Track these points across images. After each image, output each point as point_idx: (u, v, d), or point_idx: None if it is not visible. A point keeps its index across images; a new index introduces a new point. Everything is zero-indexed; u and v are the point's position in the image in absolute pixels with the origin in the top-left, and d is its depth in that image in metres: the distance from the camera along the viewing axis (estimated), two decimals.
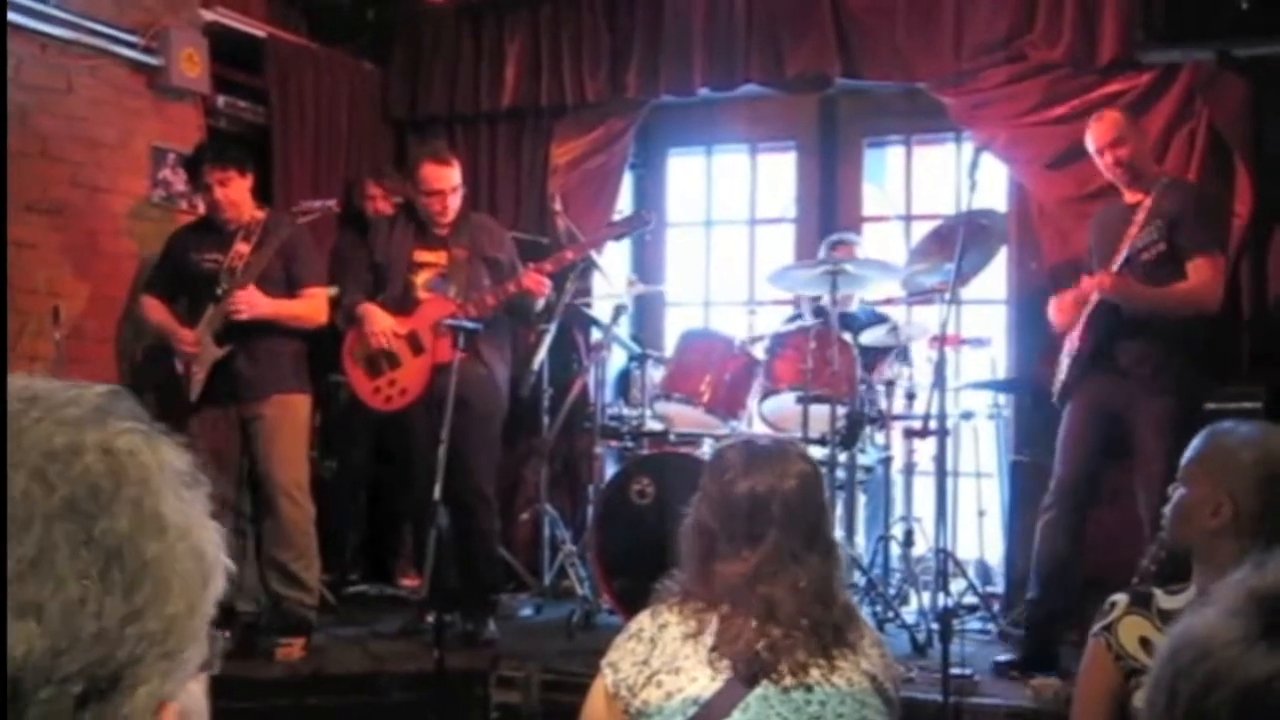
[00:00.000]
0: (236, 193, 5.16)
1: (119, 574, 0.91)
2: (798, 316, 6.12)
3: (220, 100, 6.35)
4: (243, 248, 5.13)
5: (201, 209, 5.54)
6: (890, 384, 5.82)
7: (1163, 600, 2.36)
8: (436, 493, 4.66)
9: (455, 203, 5.38)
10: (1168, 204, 4.72)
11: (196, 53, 6.04)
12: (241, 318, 5.04)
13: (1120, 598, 2.39)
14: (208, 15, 6.21)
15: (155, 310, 5.30)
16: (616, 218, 6.45)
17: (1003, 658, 4.89)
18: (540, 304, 5.51)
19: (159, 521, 0.96)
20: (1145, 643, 2.32)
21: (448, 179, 5.34)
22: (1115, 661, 2.33)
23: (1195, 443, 2.46)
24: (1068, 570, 4.84)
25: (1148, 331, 4.70)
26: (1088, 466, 4.83)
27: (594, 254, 5.72)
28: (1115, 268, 4.71)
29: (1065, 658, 4.62)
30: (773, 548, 2.39)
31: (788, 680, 2.31)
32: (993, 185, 6.04)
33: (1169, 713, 0.99)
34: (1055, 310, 5.00)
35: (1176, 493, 2.46)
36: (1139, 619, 2.35)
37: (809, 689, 2.31)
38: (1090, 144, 4.94)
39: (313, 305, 5.27)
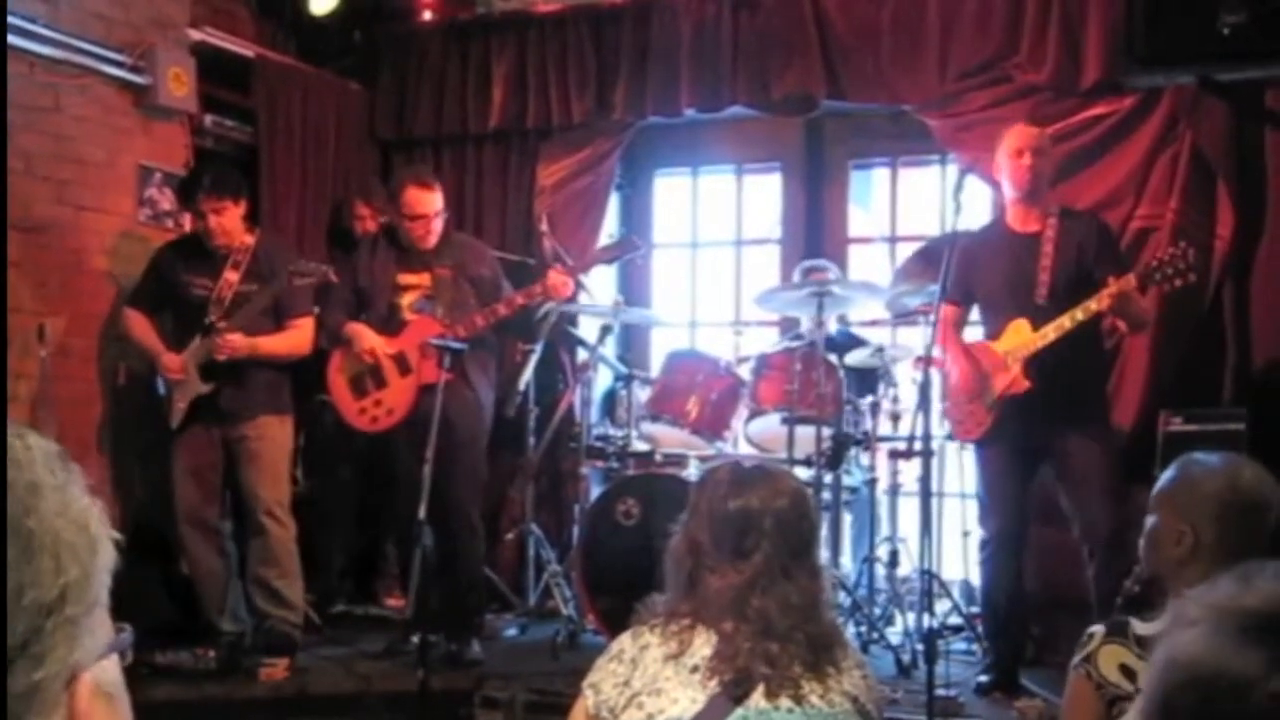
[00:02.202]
0: (229, 221, 5.18)
1: (13, 549, 1.01)
2: (797, 337, 6.07)
3: (208, 120, 6.35)
4: (231, 276, 5.15)
5: (188, 227, 5.54)
6: (875, 405, 5.84)
7: (1139, 627, 2.39)
8: (421, 513, 4.65)
9: (438, 226, 5.38)
10: (1076, 232, 4.84)
11: (184, 72, 6.04)
12: (222, 359, 5.07)
13: (1097, 629, 2.43)
14: (196, 35, 6.22)
15: (140, 326, 5.30)
16: (607, 241, 6.46)
17: (983, 678, 4.91)
18: (545, 312, 5.52)
19: (37, 497, 1.06)
20: (1125, 670, 2.35)
21: (430, 203, 5.35)
22: (1097, 691, 2.36)
23: (1167, 473, 2.56)
24: (1011, 590, 4.98)
25: (1085, 363, 4.84)
26: (1016, 507, 4.95)
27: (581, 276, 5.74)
28: (1043, 293, 4.78)
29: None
30: (763, 562, 2.40)
31: (780, 698, 2.31)
32: (978, 207, 6.06)
33: None
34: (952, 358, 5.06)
35: (1148, 521, 2.57)
36: (1117, 647, 2.38)
37: (790, 710, 2.32)
38: (1009, 143, 4.96)
39: (296, 338, 5.29)
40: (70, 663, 1.07)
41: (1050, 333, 4.69)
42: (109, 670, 1.16)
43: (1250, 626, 1.00)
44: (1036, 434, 4.82)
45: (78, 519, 1.11)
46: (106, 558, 1.14)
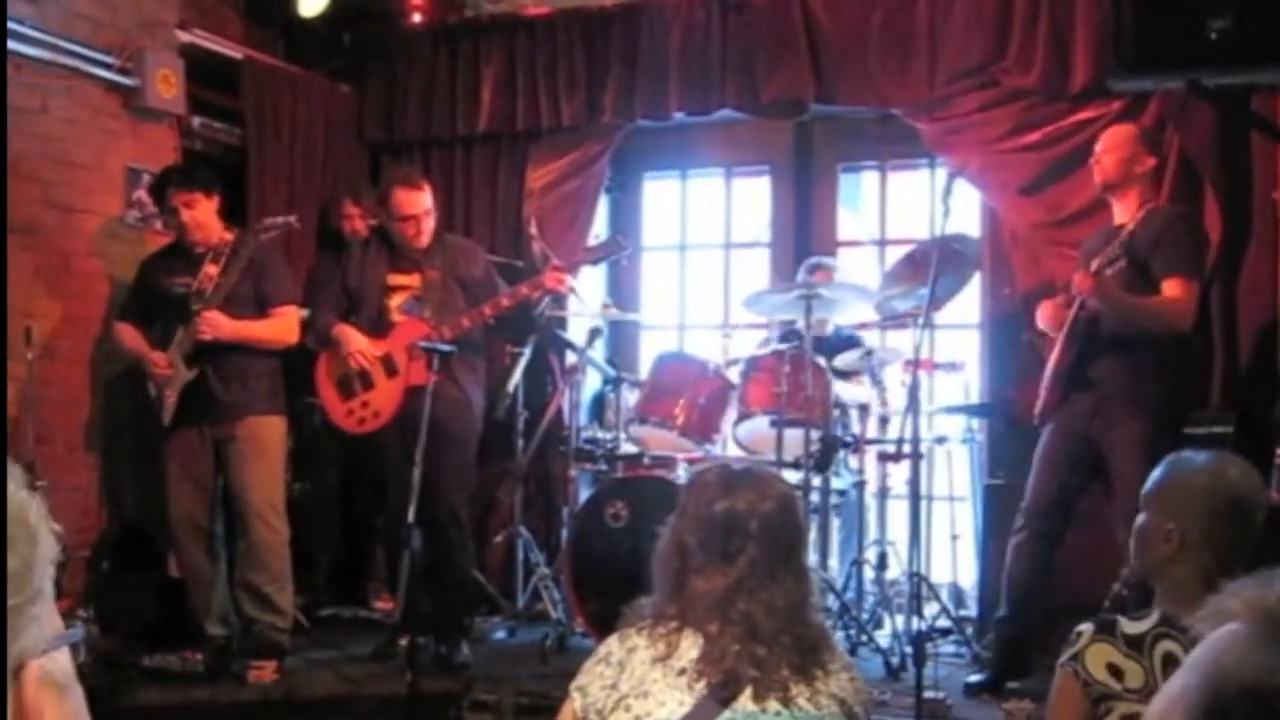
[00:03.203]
0: (203, 215, 5.15)
1: None
2: (784, 338, 6.07)
3: (196, 121, 6.35)
4: (211, 269, 5.12)
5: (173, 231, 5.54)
6: (864, 408, 5.85)
7: (1127, 626, 2.40)
8: (410, 515, 4.65)
9: (429, 225, 5.39)
10: (1145, 227, 4.73)
11: (172, 74, 6.04)
12: (205, 339, 5.03)
13: (1086, 627, 2.43)
14: (184, 36, 6.22)
15: (129, 336, 5.29)
16: (593, 242, 6.47)
17: (973, 678, 4.91)
18: (539, 309, 5.54)
19: None
20: (1113, 669, 2.35)
21: (419, 203, 5.35)
22: (1084, 689, 2.36)
23: (1156, 472, 2.58)
24: (1036, 592, 4.86)
25: (1126, 351, 4.70)
26: (1058, 491, 4.83)
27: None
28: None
29: (1036, 675, 4.66)
30: (749, 565, 2.40)
31: (768, 700, 2.31)
32: (966, 211, 6.08)
33: None
34: (1042, 313, 5.02)
35: (1138, 520, 2.58)
36: (1105, 645, 2.38)
37: (777, 713, 2.31)
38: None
39: (281, 326, 5.25)
40: (15, 651, 1.08)
41: (1074, 305, 4.70)
42: (60, 661, 1.17)
43: None
44: (1084, 419, 4.74)
45: (15, 512, 1.12)
46: (48, 549, 1.16)
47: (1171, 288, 4.62)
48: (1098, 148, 4.95)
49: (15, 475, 1.17)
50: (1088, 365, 4.73)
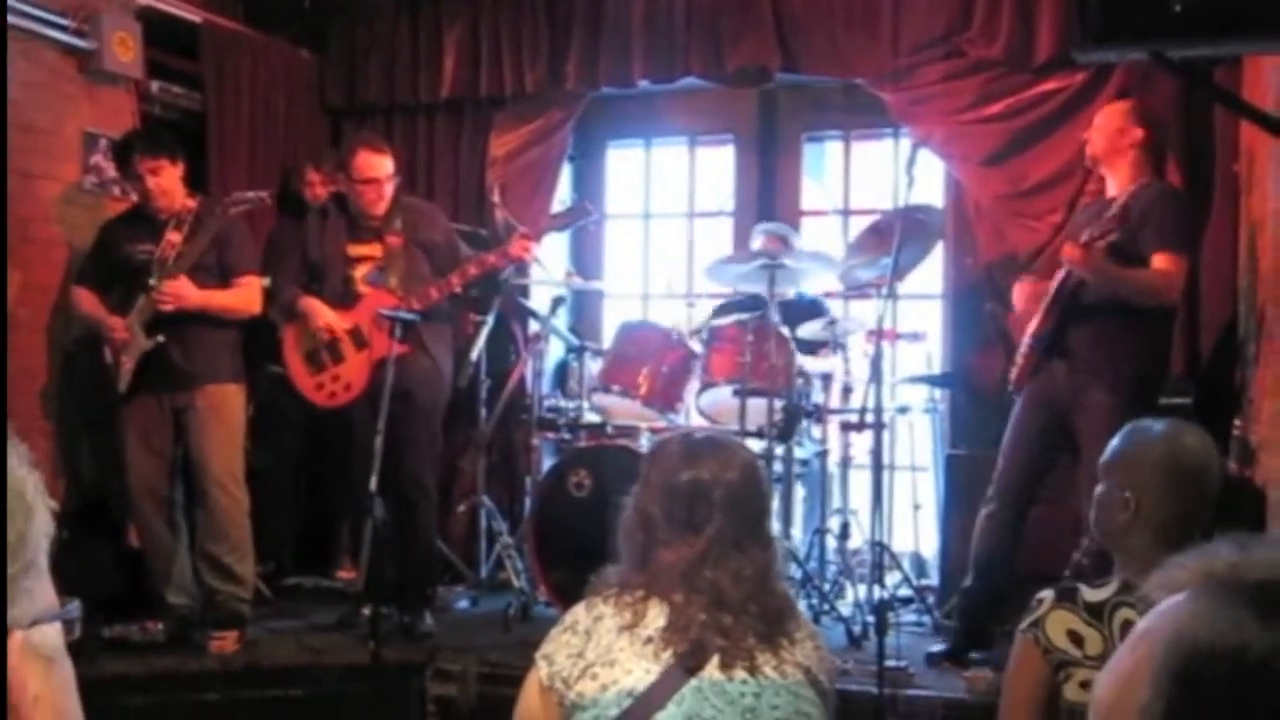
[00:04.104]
0: (168, 181, 5.10)
1: None
2: (744, 306, 6.04)
3: (154, 86, 6.26)
4: (174, 237, 5.07)
5: (134, 197, 5.47)
6: (827, 378, 5.86)
7: (1088, 594, 2.42)
8: (373, 484, 4.63)
9: (389, 192, 5.35)
10: (1136, 201, 4.67)
11: (130, 37, 5.95)
12: (168, 309, 4.99)
13: (1046, 594, 2.46)
14: None
15: (86, 301, 5.23)
16: (558, 209, 6.44)
17: (935, 648, 4.94)
18: (507, 272, 5.52)
19: None
20: (1073, 635, 2.38)
21: (382, 167, 5.31)
22: (1044, 655, 2.39)
23: (1114, 441, 2.58)
24: (1004, 562, 4.86)
25: (1105, 322, 4.65)
26: (1029, 462, 4.81)
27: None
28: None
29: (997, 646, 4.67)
30: (715, 534, 2.40)
31: (734, 669, 2.32)
32: (930, 181, 6.09)
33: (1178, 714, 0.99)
34: (1019, 294, 5.02)
35: (1097, 489, 2.59)
36: (1066, 613, 2.41)
37: (744, 681, 2.32)
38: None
39: (244, 295, 5.21)
40: (8, 620, 1.11)
41: (1059, 273, 4.67)
42: (49, 635, 1.18)
43: (1266, 598, 0.99)
44: (1057, 390, 4.72)
45: (14, 485, 1.15)
46: (42, 524, 1.18)
47: (1160, 261, 4.60)
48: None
49: (18, 452, 1.19)
50: (1067, 334, 4.71)
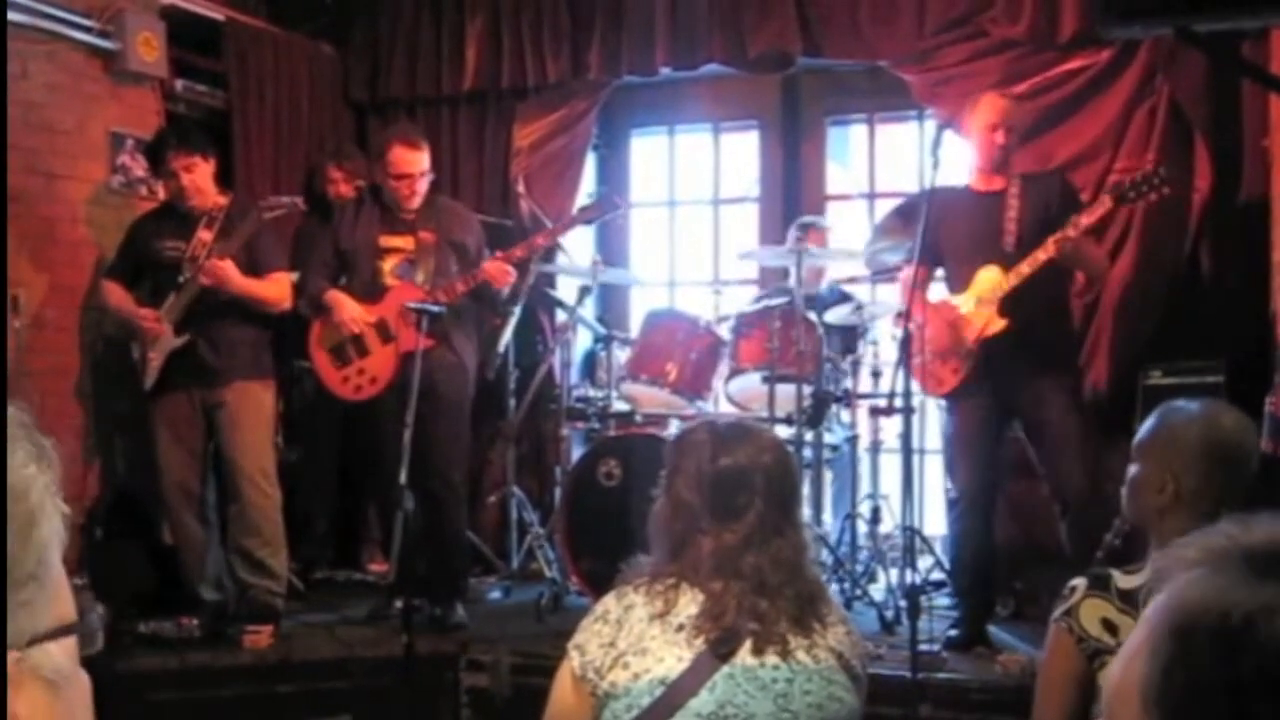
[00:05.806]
0: (201, 178, 5.14)
1: None
2: (779, 294, 6.04)
3: (179, 84, 6.29)
4: (205, 235, 5.10)
5: (162, 194, 5.50)
6: (856, 363, 5.84)
7: (1121, 580, 2.39)
8: (403, 478, 4.64)
9: (423, 187, 5.35)
10: (1040, 188, 4.91)
11: (154, 36, 5.97)
12: (206, 283, 5.00)
13: (1079, 581, 2.42)
14: None
15: (115, 294, 5.26)
16: (587, 201, 6.43)
17: (951, 632, 4.92)
18: (505, 291, 5.49)
19: None
20: (1107, 624, 2.35)
21: (417, 162, 5.30)
22: (1078, 644, 2.35)
23: (1147, 422, 2.54)
24: (987, 559, 5.00)
25: (1047, 309, 4.85)
26: (986, 465, 4.95)
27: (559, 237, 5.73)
28: (1011, 242, 4.82)
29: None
30: (756, 520, 2.40)
31: (767, 654, 2.31)
32: (956, 162, 6.04)
33: (1184, 688, 0.98)
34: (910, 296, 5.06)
35: (1130, 471, 2.54)
36: (1099, 600, 2.37)
37: (776, 666, 2.32)
38: (984, 116, 4.99)
39: (277, 288, 5.24)
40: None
41: (1024, 268, 4.71)
42: (53, 654, 1.05)
43: (1258, 562, 1.00)
44: (1008, 386, 4.82)
45: (17, 486, 1.01)
46: (48, 531, 1.04)
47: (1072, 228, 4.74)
48: (996, 117, 4.97)
49: (29, 450, 1.04)
50: (1020, 329, 4.78)
